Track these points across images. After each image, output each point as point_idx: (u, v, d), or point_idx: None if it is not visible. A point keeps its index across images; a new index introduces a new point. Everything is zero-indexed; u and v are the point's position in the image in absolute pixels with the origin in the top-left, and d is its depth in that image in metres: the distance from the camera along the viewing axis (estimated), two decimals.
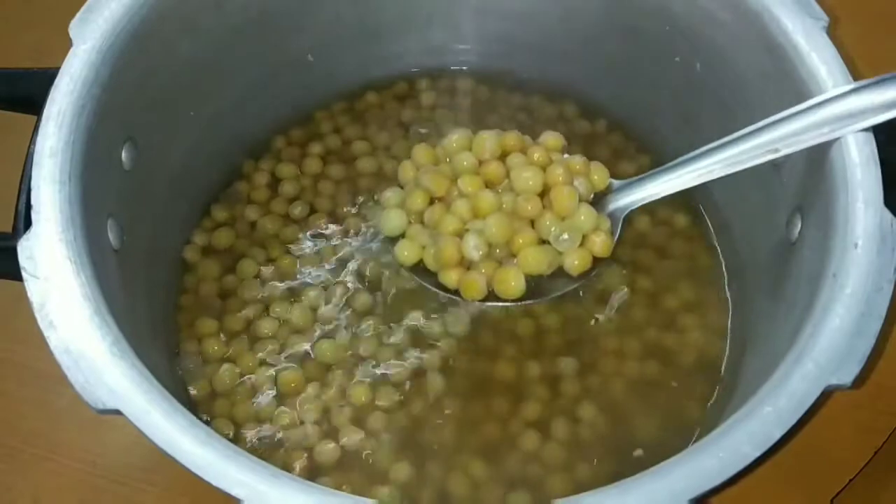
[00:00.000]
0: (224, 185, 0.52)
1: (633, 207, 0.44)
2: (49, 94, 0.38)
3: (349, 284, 0.48)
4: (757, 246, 0.46)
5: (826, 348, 0.34)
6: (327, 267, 0.49)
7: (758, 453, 0.32)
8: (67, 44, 0.39)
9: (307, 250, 0.50)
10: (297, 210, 0.51)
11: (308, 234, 0.50)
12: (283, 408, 0.45)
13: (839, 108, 0.37)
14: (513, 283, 0.42)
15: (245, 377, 0.46)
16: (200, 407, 0.46)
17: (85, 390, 0.32)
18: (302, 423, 0.45)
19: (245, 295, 0.48)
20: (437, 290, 0.43)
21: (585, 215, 0.43)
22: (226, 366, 0.46)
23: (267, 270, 0.49)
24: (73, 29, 0.39)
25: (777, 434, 0.32)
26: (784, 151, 0.39)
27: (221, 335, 0.47)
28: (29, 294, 0.34)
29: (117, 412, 0.32)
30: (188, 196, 0.50)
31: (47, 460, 0.48)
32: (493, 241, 0.42)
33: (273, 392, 0.46)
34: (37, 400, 0.49)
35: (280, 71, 0.51)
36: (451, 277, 0.43)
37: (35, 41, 0.59)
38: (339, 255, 0.49)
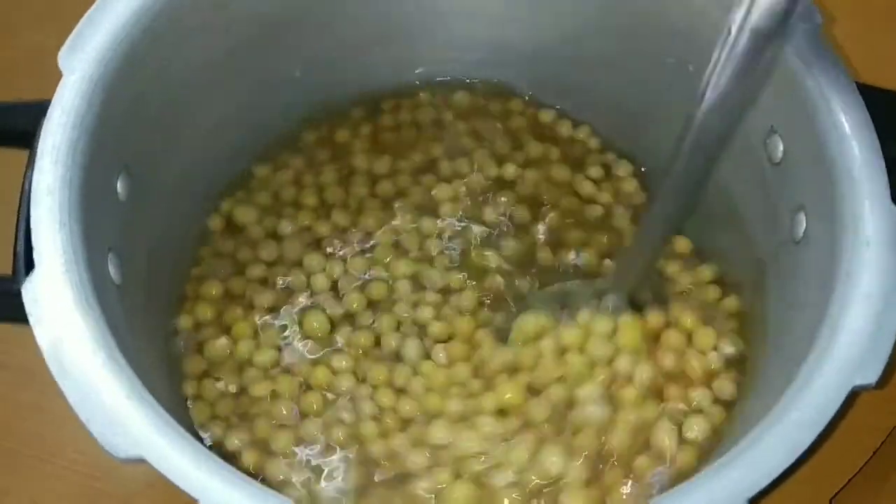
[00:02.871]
0: (218, 207, 0.51)
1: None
2: (40, 127, 0.37)
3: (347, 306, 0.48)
4: (760, 244, 0.46)
5: (848, 349, 0.34)
6: (325, 291, 0.49)
7: (790, 460, 0.32)
8: None
9: (301, 279, 0.49)
10: (289, 230, 0.50)
11: (304, 259, 0.49)
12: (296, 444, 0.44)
13: None
14: None
15: (253, 407, 0.46)
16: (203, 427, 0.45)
17: (106, 439, 0.31)
18: (313, 457, 0.44)
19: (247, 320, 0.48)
20: None
21: None
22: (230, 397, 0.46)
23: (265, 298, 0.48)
24: (63, 59, 0.38)
25: (808, 439, 0.32)
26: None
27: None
28: (38, 340, 0.33)
29: (141, 460, 0.31)
30: (183, 221, 0.49)
31: (45, 463, 0.47)
32: None
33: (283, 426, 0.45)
34: (34, 403, 0.48)
35: (268, 88, 0.50)
36: None
37: (35, 41, 0.58)
38: (338, 276, 0.49)
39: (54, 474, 0.47)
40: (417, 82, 0.55)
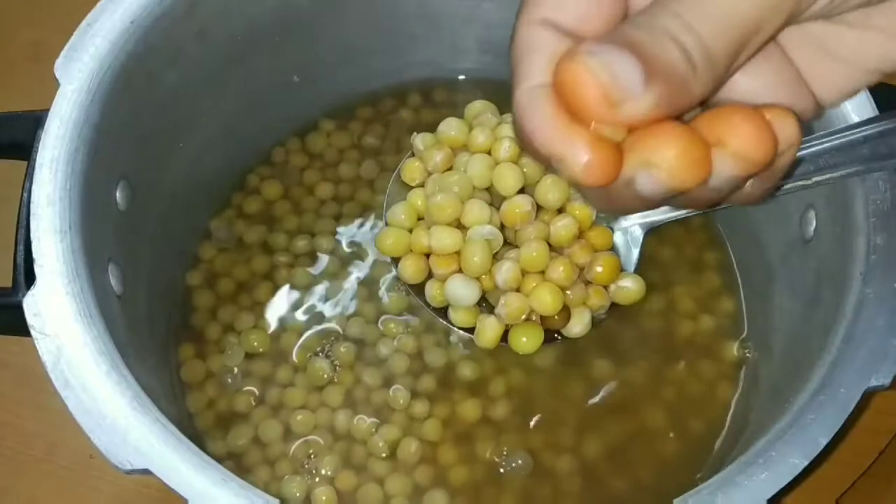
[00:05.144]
0: (217, 214, 0.51)
1: (655, 225, 0.41)
2: (37, 137, 0.36)
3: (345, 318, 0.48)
4: (767, 242, 0.45)
5: (862, 350, 0.33)
6: (324, 293, 0.48)
7: (806, 462, 0.31)
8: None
9: (302, 281, 0.49)
10: (282, 238, 0.50)
11: (303, 263, 0.49)
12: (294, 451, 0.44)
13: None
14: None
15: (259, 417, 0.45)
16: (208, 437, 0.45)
17: (110, 451, 0.30)
18: (315, 474, 0.44)
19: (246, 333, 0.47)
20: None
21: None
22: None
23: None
24: (59, 69, 0.37)
25: (823, 441, 0.32)
26: (816, 179, 0.36)
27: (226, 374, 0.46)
28: (40, 353, 0.32)
29: (146, 471, 0.30)
30: (182, 229, 0.48)
31: (44, 462, 0.47)
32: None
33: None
34: (33, 401, 0.48)
35: (266, 94, 0.49)
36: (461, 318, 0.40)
37: (34, 39, 0.58)
38: (333, 282, 0.49)
39: (54, 473, 0.47)
40: (414, 83, 0.54)
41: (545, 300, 0.38)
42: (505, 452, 0.44)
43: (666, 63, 0.23)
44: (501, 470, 0.44)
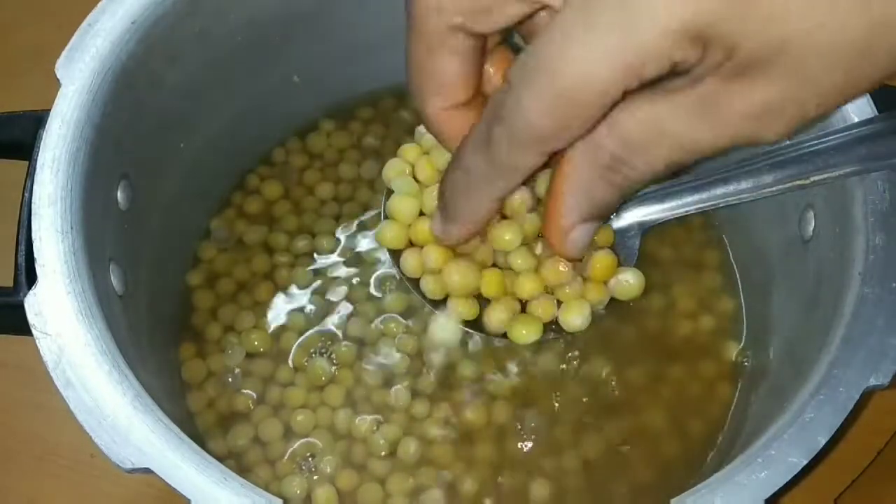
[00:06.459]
0: (217, 214, 0.51)
1: (654, 223, 0.41)
2: (38, 137, 0.36)
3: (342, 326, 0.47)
4: (766, 242, 0.45)
5: (861, 350, 0.34)
6: (324, 293, 0.48)
7: (805, 461, 0.31)
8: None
9: (303, 280, 0.49)
10: (282, 238, 0.50)
11: (304, 263, 0.49)
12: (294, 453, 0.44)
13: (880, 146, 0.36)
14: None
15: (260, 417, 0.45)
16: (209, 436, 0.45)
17: (111, 451, 0.31)
18: (315, 474, 0.44)
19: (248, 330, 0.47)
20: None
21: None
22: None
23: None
24: (60, 69, 0.37)
25: (822, 440, 0.32)
26: (814, 178, 0.36)
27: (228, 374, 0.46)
28: (41, 352, 0.32)
29: (147, 471, 0.30)
30: (183, 229, 0.48)
31: (44, 462, 0.48)
32: None
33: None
34: (33, 401, 0.48)
35: (266, 94, 0.50)
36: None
37: (34, 38, 0.58)
38: (334, 282, 0.49)
39: (53, 473, 0.47)
40: None
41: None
42: (519, 426, 0.44)
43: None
44: (521, 445, 0.44)
